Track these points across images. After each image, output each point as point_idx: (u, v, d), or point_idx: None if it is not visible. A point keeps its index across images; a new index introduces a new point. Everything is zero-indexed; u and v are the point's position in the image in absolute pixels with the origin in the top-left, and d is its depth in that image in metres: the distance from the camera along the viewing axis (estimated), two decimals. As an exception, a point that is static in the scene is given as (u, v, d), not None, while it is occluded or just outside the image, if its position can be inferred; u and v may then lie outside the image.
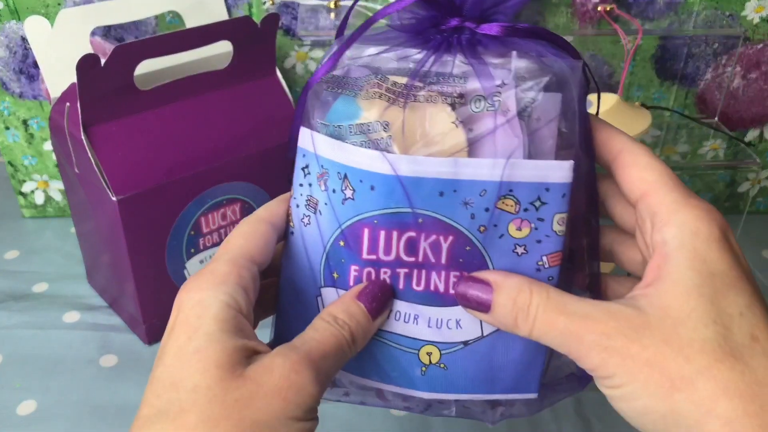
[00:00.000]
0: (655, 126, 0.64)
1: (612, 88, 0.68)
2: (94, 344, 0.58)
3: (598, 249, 0.31)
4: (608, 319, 0.26)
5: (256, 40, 0.56)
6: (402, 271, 0.29)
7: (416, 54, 0.29)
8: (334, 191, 0.29)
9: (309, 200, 0.30)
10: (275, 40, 0.57)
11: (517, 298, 0.28)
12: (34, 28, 0.54)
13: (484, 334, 0.30)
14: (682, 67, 0.68)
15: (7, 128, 0.68)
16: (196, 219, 0.56)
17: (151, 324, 0.58)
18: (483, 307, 0.28)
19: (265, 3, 0.63)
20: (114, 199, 0.51)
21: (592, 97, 0.56)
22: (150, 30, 0.64)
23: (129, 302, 0.58)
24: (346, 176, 0.28)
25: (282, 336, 0.33)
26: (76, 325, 0.60)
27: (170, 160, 0.53)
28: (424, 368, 0.31)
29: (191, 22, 0.61)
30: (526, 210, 0.28)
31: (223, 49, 0.56)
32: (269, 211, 0.31)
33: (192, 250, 0.58)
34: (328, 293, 0.30)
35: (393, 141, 0.27)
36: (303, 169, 0.30)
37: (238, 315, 0.27)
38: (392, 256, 0.29)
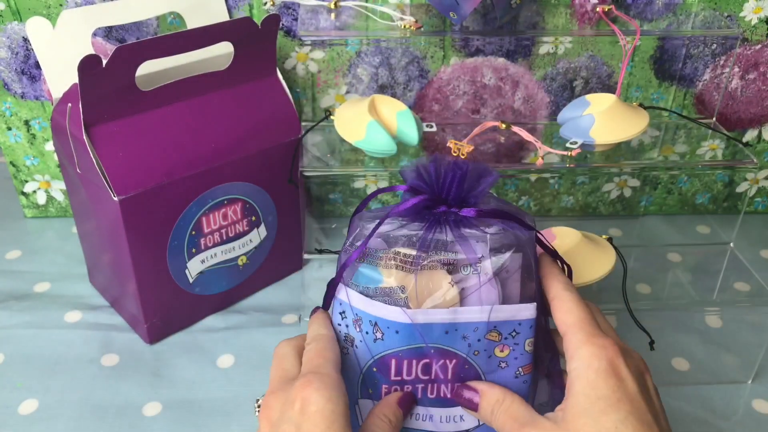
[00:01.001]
0: (654, 126, 0.64)
1: (610, 89, 0.68)
2: (95, 344, 0.59)
3: (557, 355, 0.43)
4: (531, 426, 0.37)
5: (256, 41, 0.56)
6: (419, 386, 0.41)
7: (417, 228, 0.40)
8: (367, 333, 0.40)
9: (346, 337, 0.41)
10: (276, 41, 0.57)
11: (494, 404, 0.39)
12: (35, 28, 0.54)
13: (480, 424, 0.41)
14: (680, 68, 0.68)
15: (9, 129, 0.69)
16: (197, 219, 0.57)
17: (153, 323, 0.58)
18: (472, 406, 0.40)
19: (265, 4, 0.64)
20: (115, 199, 0.51)
21: (589, 97, 0.56)
22: (151, 31, 0.65)
23: (130, 302, 0.58)
24: (376, 323, 0.39)
25: None
26: (78, 324, 0.61)
27: (171, 160, 0.53)
28: None
29: (192, 23, 0.62)
30: (506, 338, 0.39)
31: (223, 50, 0.56)
32: (330, 331, 0.42)
33: (193, 250, 0.58)
34: (365, 403, 0.41)
35: (409, 300, 0.39)
36: (340, 314, 0.41)
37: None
38: (412, 376, 0.40)
